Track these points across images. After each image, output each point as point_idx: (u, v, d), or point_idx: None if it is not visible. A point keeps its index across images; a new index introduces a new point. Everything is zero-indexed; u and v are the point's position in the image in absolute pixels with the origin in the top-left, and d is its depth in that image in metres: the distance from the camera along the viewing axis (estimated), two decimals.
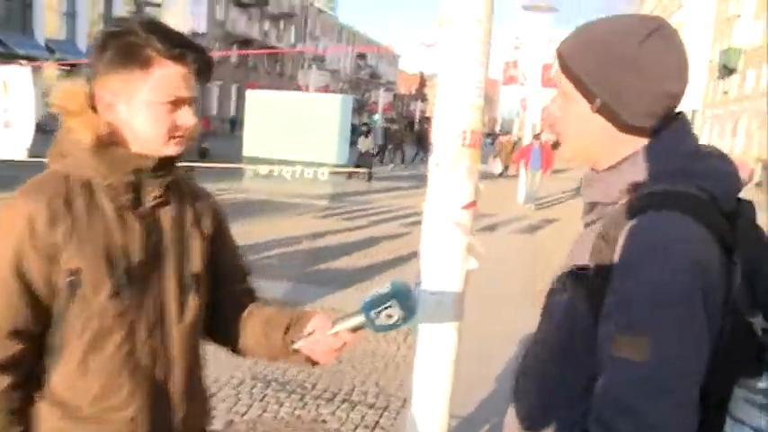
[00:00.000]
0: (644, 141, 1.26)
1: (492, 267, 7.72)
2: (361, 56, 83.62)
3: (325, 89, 40.42)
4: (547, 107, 1.40)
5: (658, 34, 1.21)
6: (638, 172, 1.24)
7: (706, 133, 53.28)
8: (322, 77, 41.10)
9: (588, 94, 1.26)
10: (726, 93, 56.15)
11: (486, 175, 20.97)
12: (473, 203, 2.31)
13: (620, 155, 1.27)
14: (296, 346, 1.50)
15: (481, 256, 2.33)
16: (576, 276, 1.23)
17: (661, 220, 1.13)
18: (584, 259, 1.21)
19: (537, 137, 17.91)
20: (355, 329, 1.45)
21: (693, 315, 1.08)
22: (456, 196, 2.28)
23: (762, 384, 1.11)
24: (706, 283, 1.09)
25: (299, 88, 44.51)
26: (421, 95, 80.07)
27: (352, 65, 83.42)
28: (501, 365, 5.20)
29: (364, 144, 21.52)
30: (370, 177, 20.12)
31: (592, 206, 1.33)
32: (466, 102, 2.24)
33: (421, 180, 2.11)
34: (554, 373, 1.27)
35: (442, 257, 2.33)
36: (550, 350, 1.28)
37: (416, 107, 68.86)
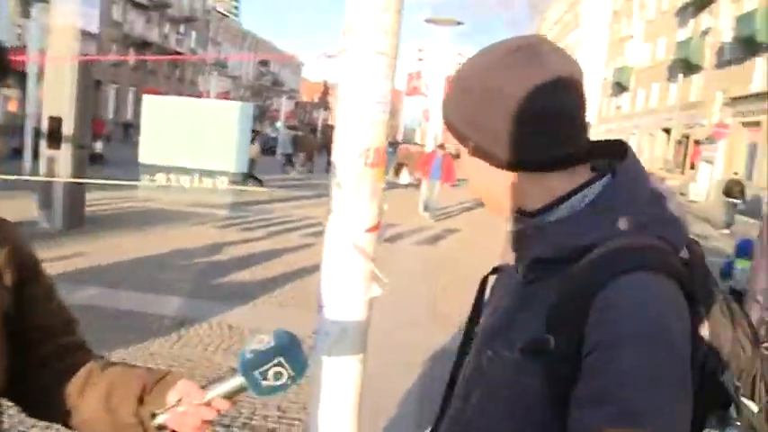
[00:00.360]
0: (555, 178, 1.08)
1: (394, 281, 7.63)
2: (264, 62, 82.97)
3: (226, 95, 39.58)
4: None
5: (520, 53, 1.04)
6: (594, 222, 1.04)
7: None
8: (223, 83, 40.27)
9: (462, 138, 1.10)
10: (618, 108, 59.19)
11: (390, 185, 20.99)
12: (376, 226, 2.17)
13: (540, 198, 1.09)
14: (159, 420, 1.15)
15: (384, 285, 2.18)
16: (527, 350, 1.02)
17: (642, 286, 0.96)
18: (538, 328, 1.01)
19: (441, 146, 17.99)
20: (233, 394, 1.13)
21: (688, 387, 0.94)
22: (359, 219, 2.13)
23: None
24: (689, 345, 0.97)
25: (200, 94, 43.54)
26: (324, 104, 79.99)
27: (254, 71, 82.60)
28: (407, 383, 5.10)
29: (251, 151, 20.76)
30: (261, 183, 19.73)
31: (535, 263, 1.09)
32: (369, 118, 2.08)
33: (325, 189, 1.94)
34: None
35: (345, 283, 2.17)
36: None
37: (320, 115, 68.55)
